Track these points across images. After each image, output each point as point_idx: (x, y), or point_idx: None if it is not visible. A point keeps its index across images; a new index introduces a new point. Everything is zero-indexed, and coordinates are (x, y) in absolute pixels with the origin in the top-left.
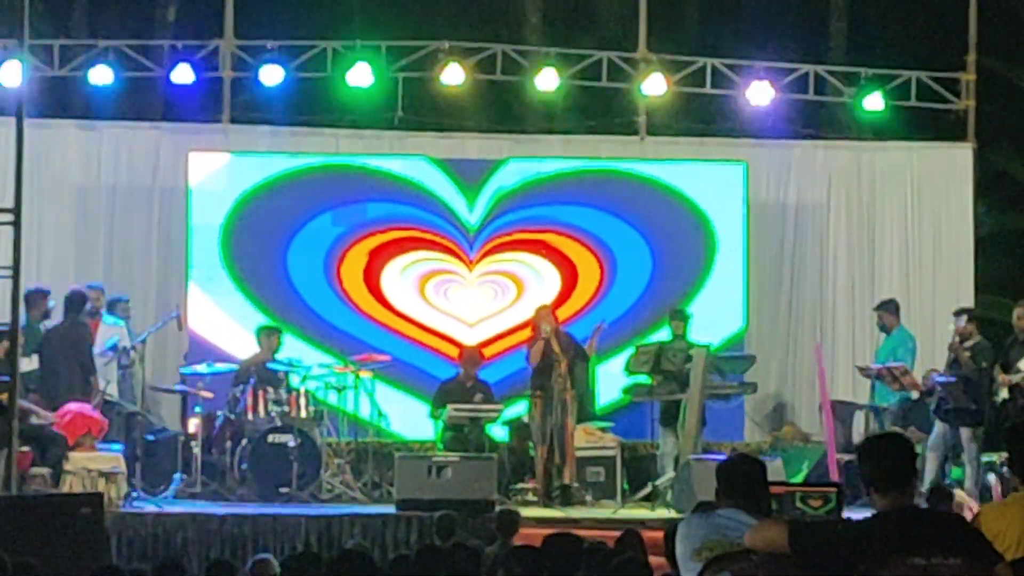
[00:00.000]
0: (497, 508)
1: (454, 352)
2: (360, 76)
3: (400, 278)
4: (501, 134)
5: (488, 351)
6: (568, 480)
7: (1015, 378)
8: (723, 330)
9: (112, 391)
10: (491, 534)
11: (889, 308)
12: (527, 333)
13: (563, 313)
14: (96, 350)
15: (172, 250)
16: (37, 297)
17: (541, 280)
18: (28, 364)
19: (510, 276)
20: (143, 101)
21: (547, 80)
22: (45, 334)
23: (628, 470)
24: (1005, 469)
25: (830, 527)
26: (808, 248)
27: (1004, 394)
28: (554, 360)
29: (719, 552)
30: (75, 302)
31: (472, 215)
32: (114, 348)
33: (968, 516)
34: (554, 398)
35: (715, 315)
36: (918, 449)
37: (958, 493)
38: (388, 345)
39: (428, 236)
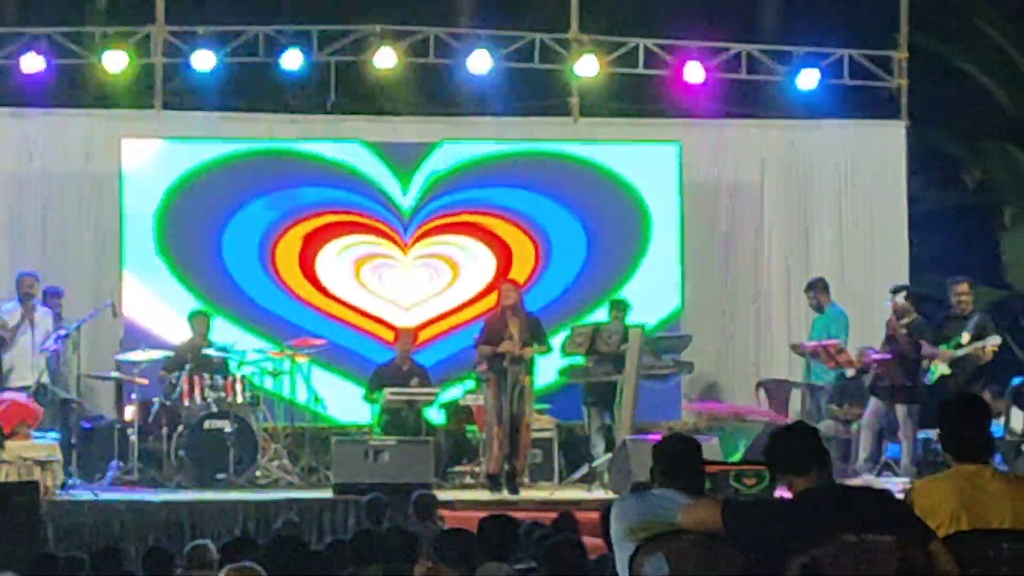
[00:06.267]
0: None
1: (390, 336)
2: (292, 61)
3: (335, 262)
4: (434, 117)
5: (424, 334)
6: (518, 470)
7: (958, 352)
8: (659, 310)
9: (44, 380)
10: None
11: (818, 287)
12: (463, 316)
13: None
14: (43, 340)
15: (106, 237)
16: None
17: (476, 262)
18: None
19: (445, 259)
20: (75, 88)
21: (480, 62)
22: None
23: (565, 451)
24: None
25: (762, 506)
26: (743, 227)
27: (943, 369)
28: (507, 338)
29: (653, 532)
30: None
31: (406, 198)
32: (61, 339)
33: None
34: (508, 380)
35: (651, 295)
36: (853, 427)
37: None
38: (324, 329)
39: (362, 220)
